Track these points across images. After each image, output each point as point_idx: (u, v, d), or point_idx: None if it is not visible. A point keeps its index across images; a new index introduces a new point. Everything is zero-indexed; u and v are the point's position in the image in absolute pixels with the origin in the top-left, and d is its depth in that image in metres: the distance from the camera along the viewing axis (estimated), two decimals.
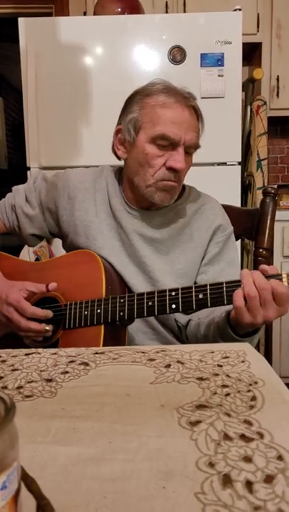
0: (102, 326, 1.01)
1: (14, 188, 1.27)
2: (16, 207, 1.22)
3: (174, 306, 0.96)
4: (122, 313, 0.99)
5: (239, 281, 0.90)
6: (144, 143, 1.04)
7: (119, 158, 1.13)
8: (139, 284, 1.10)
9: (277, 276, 0.89)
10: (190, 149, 1.06)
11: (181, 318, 1.12)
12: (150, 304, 0.98)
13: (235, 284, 0.91)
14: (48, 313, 1.03)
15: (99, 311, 1.01)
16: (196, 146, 1.07)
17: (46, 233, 1.24)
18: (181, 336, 1.14)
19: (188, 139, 1.02)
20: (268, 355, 2.43)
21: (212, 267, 1.13)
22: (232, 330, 0.94)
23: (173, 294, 0.97)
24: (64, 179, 1.19)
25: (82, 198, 1.15)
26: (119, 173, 1.18)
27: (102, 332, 1.01)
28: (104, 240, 1.12)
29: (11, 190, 1.27)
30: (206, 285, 0.95)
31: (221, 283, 0.93)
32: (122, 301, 1.00)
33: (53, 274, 1.10)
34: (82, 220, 1.14)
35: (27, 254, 1.91)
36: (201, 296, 0.94)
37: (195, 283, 1.14)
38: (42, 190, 1.20)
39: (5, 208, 1.24)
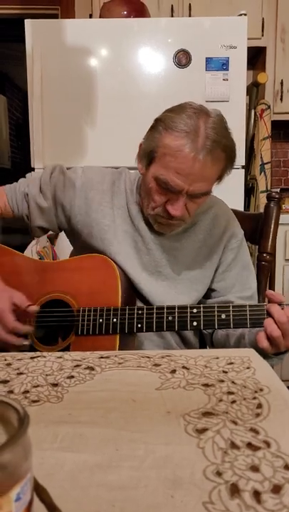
0: (118, 336, 1.00)
1: (28, 175, 1.24)
2: (28, 196, 1.17)
3: (195, 323, 0.96)
4: (140, 325, 0.99)
5: (262, 305, 0.94)
6: (151, 176, 1.01)
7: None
8: (154, 291, 1.09)
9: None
10: (195, 197, 0.99)
11: None
12: (170, 318, 0.97)
13: (258, 308, 0.94)
14: (29, 329, 1.01)
15: (115, 320, 0.99)
16: (205, 194, 1.00)
17: (55, 227, 1.21)
18: (190, 340, 1.14)
19: (191, 189, 0.97)
20: None
21: (229, 273, 1.13)
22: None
23: (194, 311, 0.97)
24: (83, 178, 1.15)
25: (100, 200, 1.13)
26: (138, 180, 1.15)
27: (118, 341, 1.00)
28: (120, 246, 1.10)
29: None
30: (228, 306, 0.96)
31: (244, 306, 0.95)
32: (140, 312, 0.99)
33: (65, 275, 1.08)
34: (99, 223, 1.12)
35: (30, 254, 1.91)
36: (223, 316, 0.95)
37: (214, 290, 1.14)
38: (58, 184, 1.16)
39: (16, 195, 1.19)
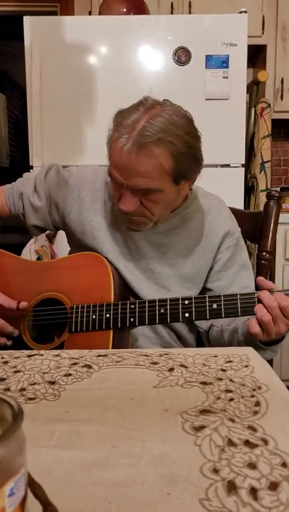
0: (111, 331, 1.00)
1: (25, 174, 1.26)
2: (23, 195, 1.20)
3: (187, 314, 0.96)
4: (132, 320, 0.99)
5: (253, 293, 0.94)
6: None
7: None
8: (146, 290, 1.09)
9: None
10: (144, 192, 0.97)
11: (203, 324, 1.13)
12: (162, 311, 0.98)
13: (249, 296, 0.94)
14: (15, 332, 1.04)
15: (108, 315, 1.00)
16: (150, 191, 0.96)
17: (50, 226, 1.22)
18: (187, 338, 1.14)
19: (131, 184, 0.95)
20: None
21: (226, 272, 1.12)
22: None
23: (186, 302, 0.97)
24: (76, 176, 1.17)
25: (93, 198, 1.14)
26: None
27: (111, 337, 1.00)
28: (111, 244, 1.11)
29: None
30: (220, 296, 0.96)
31: (235, 295, 0.95)
32: (132, 306, 0.99)
33: (58, 274, 1.09)
34: (91, 221, 1.12)
35: (28, 253, 1.91)
36: (215, 306, 0.95)
37: (209, 289, 1.14)
38: (52, 184, 1.18)
39: (13, 194, 1.21)
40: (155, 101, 0.98)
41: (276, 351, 1.00)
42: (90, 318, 1.01)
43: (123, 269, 1.10)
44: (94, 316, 1.01)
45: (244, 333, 1.00)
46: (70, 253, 1.27)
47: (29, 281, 1.10)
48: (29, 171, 2.22)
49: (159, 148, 0.92)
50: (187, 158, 0.96)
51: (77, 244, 1.16)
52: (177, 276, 1.11)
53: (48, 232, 1.43)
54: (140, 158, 0.92)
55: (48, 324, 1.05)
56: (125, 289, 1.10)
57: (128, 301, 1.01)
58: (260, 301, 0.92)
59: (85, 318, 1.01)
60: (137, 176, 0.95)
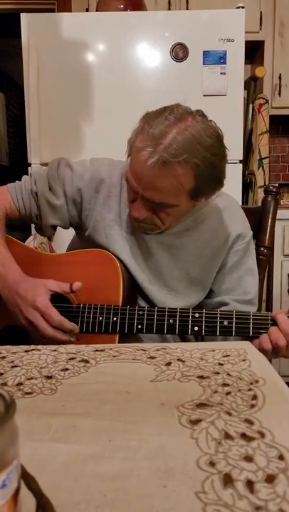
0: (117, 336, 0.99)
1: (32, 172, 1.22)
2: (38, 194, 1.12)
3: (196, 328, 0.95)
4: (140, 326, 0.97)
5: (266, 314, 0.93)
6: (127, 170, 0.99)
7: None
8: (155, 291, 1.08)
9: None
10: (157, 205, 0.95)
11: None
12: (171, 321, 0.96)
13: (262, 316, 0.92)
14: (75, 327, 0.97)
15: (115, 319, 0.98)
16: (164, 205, 0.95)
17: (67, 224, 1.16)
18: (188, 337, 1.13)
19: (146, 195, 0.94)
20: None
21: (230, 275, 1.10)
22: None
23: (196, 315, 0.95)
24: (91, 170, 1.12)
25: (108, 193, 1.10)
26: None
27: (117, 341, 0.98)
28: (124, 243, 1.08)
29: None
30: (232, 312, 0.94)
31: (248, 313, 0.94)
32: (140, 313, 0.98)
33: (67, 270, 1.06)
34: (104, 218, 1.09)
35: None
36: (226, 323, 0.94)
37: (212, 291, 1.12)
38: (66, 179, 1.11)
39: (21, 194, 1.14)
40: (186, 111, 0.93)
41: None
42: (96, 320, 0.99)
43: (133, 269, 1.08)
44: (101, 318, 0.99)
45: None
46: (73, 247, 1.23)
47: (37, 273, 1.05)
48: (27, 169, 2.23)
49: (183, 169, 0.89)
50: (209, 179, 0.93)
51: (88, 239, 1.12)
52: (186, 279, 1.09)
53: None
54: (162, 175, 0.89)
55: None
56: (134, 290, 1.08)
57: (137, 307, 0.99)
58: (274, 323, 0.91)
59: (91, 320, 0.99)
60: (154, 190, 0.92)
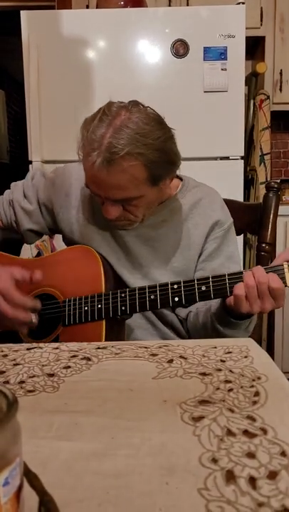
0: (104, 321, 1.00)
1: (13, 184, 1.25)
2: (13, 202, 1.19)
3: (176, 298, 0.96)
4: (123, 308, 0.99)
5: (240, 272, 0.93)
6: None
7: None
8: (137, 284, 1.08)
9: (278, 268, 0.91)
10: (122, 201, 0.97)
11: (182, 311, 1.12)
12: (152, 297, 0.98)
13: (238, 275, 0.93)
14: (37, 303, 0.99)
15: (100, 306, 1.00)
16: (129, 199, 0.96)
17: (44, 229, 1.22)
18: (182, 330, 1.14)
19: (108, 196, 0.96)
20: (270, 350, 2.42)
21: (210, 262, 1.11)
22: (228, 314, 0.97)
23: (175, 287, 0.97)
24: (62, 176, 1.17)
25: (79, 195, 1.13)
26: None
27: (104, 327, 1.00)
28: (101, 241, 1.11)
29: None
30: (208, 277, 0.95)
31: (224, 275, 0.94)
32: (122, 295, 0.99)
33: (50, 270, 1.09)
34: (78, 219, 1.13)
35: (29, 248, 1.91)
36: (203, 288, 0.95)
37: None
38: (40, 186, 1.18)
39: (2, 204, 1.22)
40: (120, 106, 0.95)
41: (249, 331, 1.01)
42: (82, 310, 1.01)
43: (115, 264, 1.10)
44: (86, 308, 1.01)
45: (218, 310, 0.99)
46: None
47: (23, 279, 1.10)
48: (28, 167, 2.23)
49: (129, 162, 0.90)
50: (160, 163, 0.94)
51: (69, 243, 1.17)
52: (168, 271, 1.10)
53: None
54: (112, 173, 0.91)
55: (42, 319, 1.05)
56: (118, 282, 1.10)
57: (119, 290, 1.00)
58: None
59: (77, 311, 1.02)
60: (113, 189, 0.94)
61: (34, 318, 0.99)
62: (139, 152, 0.90)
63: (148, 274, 1.10)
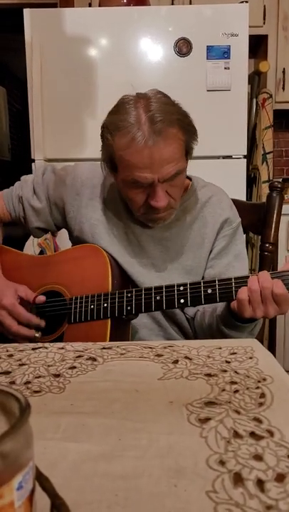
0: (109, 321, 1.01)
1: (23, 177, 1.25)
2: (22, 198, 1.20)
3: (182, 300, 0.97)
4: (129, 308, 0.99)
5: (246, 276, 0.93)
6: (121, 182, 1.01)
7: None
8: (148, 283, 1.08)
9: (284, 274, 0.91)
10: (171, 180, 0.98)
11: (190, 310, 1.13)
12: (158, 298, 0.98)
13: (244, 279, 0.93)
14: (41, 322, 1.04)
15: (105, 305, 1.00)
16: (177, 175, 0.98)
17: (52, 227, 1.23)
18: (188, 330, 1.14)
19: (161, 176, 0.95)
20: (272, 349, 2.43)
21: (219, 260, 1.12)
22: (233, 317, 0.97)
23: (181, 288, 0.97)
24: (73, 174, 1.17)
25: (90, 195, 1.14)
26: None
27: (109, 326, 1.00)
28: (111, 239, 1.11)
29: (15, 181, 1.26)
30: (214, 280, 0.95)
31: (230, 278, 0.94)
32: (129, 295, 1.00)
33: (58, 267, 1.10)
34: (89, 218, 1.13)
35: (31, 246, 1.91)
36: (209, 291, 0.95)
37: (202, 278, 1.14)
38: (50, 184, 1.18)
39: (12, 198, 1.22)
40: (133, 95, 0.99)
41: (254, 334, 1.02)
42: (88, 309, 1.02)
43: (124, 263, 1.10)
44: (92, 306, 1.01)
45: (223, 312, 1.00)
46: None
47: (30, 276, 1.11)
48: (31, 165, 2.23)
49: (173, 128, 0.94)
50: (190, 128, 0.99)
51: (77, 241, 1.17)
52: (179, 269, 1.11)
53: None
54: (167, 141, 0.93)
55: (49, 316, 1.05)
56: (126, 281, 1.10)
57: (125, 290, 1.01)
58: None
59: (83, 309, 1.02)
60: (166, 164, 0.95)
61: (38, 334, 1.04)
62: (176, 118, 0.95)
63: (160, 273, 1.11)
